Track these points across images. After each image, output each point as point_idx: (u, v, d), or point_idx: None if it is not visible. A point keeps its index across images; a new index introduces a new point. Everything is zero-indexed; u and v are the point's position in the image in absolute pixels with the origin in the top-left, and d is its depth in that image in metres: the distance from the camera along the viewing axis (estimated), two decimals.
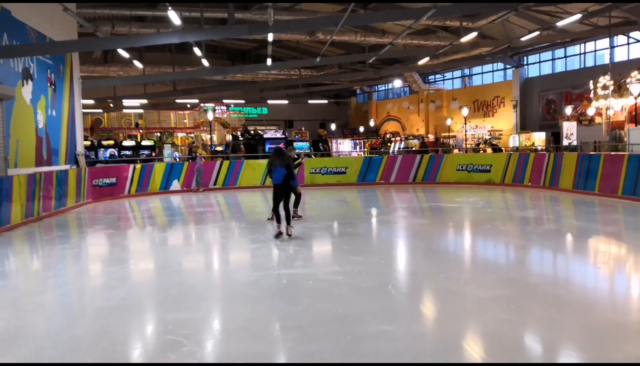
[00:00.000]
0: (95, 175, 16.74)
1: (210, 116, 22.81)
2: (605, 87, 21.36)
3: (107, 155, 23.25)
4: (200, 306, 5.43)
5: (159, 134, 29.85)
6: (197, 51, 20.94)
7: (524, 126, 30.41)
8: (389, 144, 34.15)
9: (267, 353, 4.21)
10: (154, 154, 23.62)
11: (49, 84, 14.93)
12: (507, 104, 32.18)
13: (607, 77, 21.08)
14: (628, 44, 24.97)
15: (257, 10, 21.10)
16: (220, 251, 8.90)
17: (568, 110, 25.22)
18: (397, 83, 37.77)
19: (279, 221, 9.13)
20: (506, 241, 8.97)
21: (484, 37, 26.30)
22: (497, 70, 33.81)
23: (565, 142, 22.19)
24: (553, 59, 29.77)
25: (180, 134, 31.66)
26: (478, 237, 9.51)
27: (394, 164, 19.87)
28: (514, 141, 27.77)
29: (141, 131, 30.32)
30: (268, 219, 11.17)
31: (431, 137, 36.48)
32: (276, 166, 9.04)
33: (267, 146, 23.74)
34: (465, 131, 28.24)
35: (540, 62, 30.56)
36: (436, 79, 38.86)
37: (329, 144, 31.45)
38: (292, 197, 11.45)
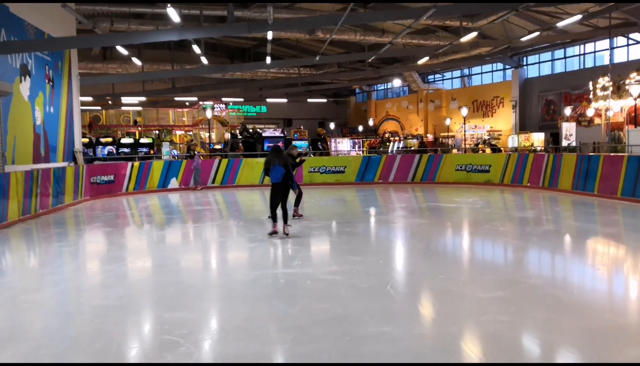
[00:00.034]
0: (93, 172, 16.68)
1: (209, 114, 22.76)
2: (604, 88, 21.35)
3: (105, 152, 23.17)
4: (197, 306, 5.40)
5: (157, 131, 29.77)
6: (196, 49, 20.87)
7: (523, 126, 30.40)
8: (387, 143, 34.11)
9: (264, 353, 4.17)
10: (152, 151, 23.55)
11: (47, 81, 14.87)
12: (506, 105, 32.17)
13: (607, 78, 21.07)
14: (628, 45, 24.97)
15: (256, 8, 21.05)
16: (218, 250, 8.86)
17: (567, 111, 25.21)
18: (397, 83, 37.74)
19: (274, 220, 9.10)
20: (505, 241, 8.94)
21: (483, 37, 26.28)
22: (496, 70, 33.80)
23: (564, 143, 22.18)
24: (553, 60, 29.77)
25: (178, 132, 31.59)
26: (477, 237, 9.48)
27: (393, 164, 19.83)
28: (513, 141, 27.75)
29: (140, 128, 30.25)
30: (268, 217, 11.10)
31: (430, 137, 36.47)
32: (275, 165, 8.99)
33: (266, 145, 23.66)
34: (465, 131, 28.21)
35: (539, 62, 30.56)
36: (435, 79, 38.84)
37: (328, 143, 31.40)
38: (291, 196, 11.46)
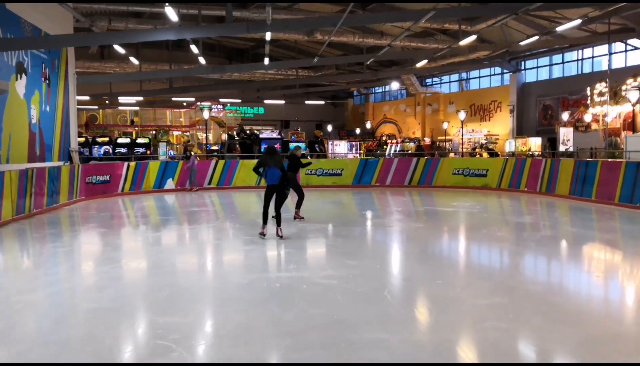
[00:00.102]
0: (89, 172, 16.56)
1: (206, 114, 22.66)
2: (601, 94, 21.36)
3: (102, 152, 23.03)
4: (191, 310, 5.31)
5: (154, 132, 29.64)
6: (194, 49, 20.81)
7: (520, 131, 30.41)
8: (385, 146, 34.09)
9: (258, 360, 4.09)
10: (148, 152, 23.42)
11: (43, 79, 14.76)
12: (503, 109, 32.18)
13: (604, 84, 21.07)
14: (625, 51, 25.01)
15: (255, 8, 20.99)
16: (213, 252, 8.76)
17: (565, 116, 25.22)
18: (395, 85, 37.73)
19: (265, 221, 9.02)
20: (503, 247, 8.88)
21: (482, 41, 26.28)
22: (494, 74, 33.81)
23: (561, 148, 22.17)
24: (550, 65, 29.79)
25: (175, 133, 31.45)
26: (474, 242, 9.42)
27: (390, 167, 19.78)
28: (510, 145, 27.75)
29: (136, 128, 30.11)
30: (272, 217, 10.99)
31: (427, 140, 36.46)
32: (271, 167, 8.90)
33: (263, 146, 23.59)
34: (462, 135, 28.20)
35: (537, 67, 30.58)
36: (433, 82, 38.84)
37: (325, 145, 31.33)
38: (291, 197, 11.39)
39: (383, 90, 43.46)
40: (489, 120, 33.44)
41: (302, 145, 20.32)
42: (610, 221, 11.47)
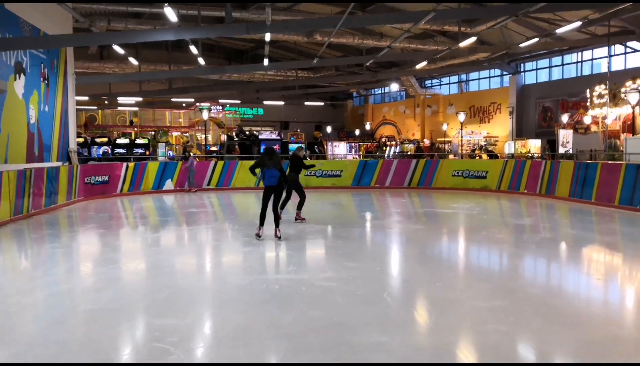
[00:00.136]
0: (88, 173, 16.52)
1: (205, 115, 22.63)
2: (601, 96, 21.36)
3: (100, 153, 22.98)
4: (189, 311, 5.27)
5: (153, 132, 29.60)
6: (193, 49, 20.78)
7: (520, 132, 30.42)
8: (384, 148, 34.08)
9: (257, 363, 4.06)
10: (147, 152, 23.38)
11: (42, 79, 14.72)
12: (503, 111, 32.19)
13: (603, 86, 21.08)
14: (625, 53, 25.04)
15: (255, 9, 20.98)
16: (212, 254, 8.72)
17: (564, 118, 25.21)
18: (394, 87, 37.73)
19: (261, 223, 8.98)
20: (503, 249, 8.85)
21: (482, 43, 26.28)
22: (494, 76, 33.84)
23: (561, 150, 22.16)
24: (550, 67, 29.81)
25: (175, 133, 31.41)
26: (474, 244, 9.39)
27: (390, 168, 19.75)
28: (509, 147, 27.74)
29: (136, 129, 30.07)
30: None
31: (427, 142, 36.45)
32: (269, 168, 8.85)
33: (262, 147, 23.57)
34: (462, 137, 28.19)
35: (537, 69, 30.61)
36: (433, 84, 38.85)
37: (325, 146, 31.31)
38: (291, 199, 11.36)
39: (382, 91, 43.47)
40: (489, 122, 33.45)
41: (291, 147, 20.26)
42: (610, 223, 11.45)
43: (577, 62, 27.88)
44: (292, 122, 43.53)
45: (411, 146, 32.45)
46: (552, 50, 28.14)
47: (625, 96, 19.01)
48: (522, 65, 31.18)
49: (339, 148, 34.59)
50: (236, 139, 25.88)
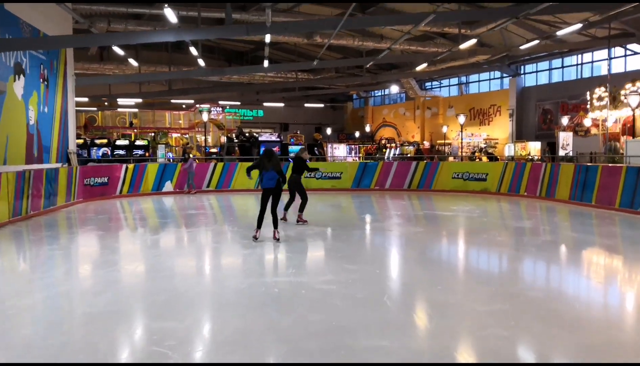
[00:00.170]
0: (87, 174, 16.49)
1: (205, 117, 22.61)
2: (601, 99, 21.34)
3: (100, 154, 22.96)
4: (188, 315, 5.23)
5: (153, 134, 29.59)
6: (193, 51, 20.76)
7: (520, 135, 30.42)
8: (384, 150, 34.08)
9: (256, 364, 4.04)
10: (147, 154, 23.35)
11: (41, 80, 14.70)
12: (503, 113, 32.19)
13: (603, 88, 21.06)
14: (625, 56, 25.04)
15: (255, 11, 20.97)
16: (211, 256, 8.69)
17: (564, 120, 25.21)
18: (394, 89, 37.74)
19: (259, 226, 8.95)
20: (503, 252, 8.82)
21: (482, 45, 26.29)
22: (494, 78, 33.84)
23: (561, 152, 22.15)
24: (550, 69, 29.82)
25: (174, 135, 31.41)
26: (474, 247, 9.36)
27: (390, 171, 19.72)
28: (509, 150, 27.73)
29: (135, 130, 30.06)
30: (281, 219, 10.95)
31: (426, 144, 36.45)
32: (268, 170, 8.82)
33: (262, 149, 23.55)
34: (462, 139, 28.18)
35: (537, 71, 30.62)
36: (433, 86, 38.87)
37: (324, 148, 31.31)
38: (294, 201, 11.32)
39: (382, 93, 43.47)
40: (489, 124, 33.44)
41: (290, 149, 20.23)
42: (610, 226, 11.42)
43: (577, 64, 27.88)
44: (292, 124, 43.54)
45: (411, 148, 32.43)
46: (552, 53, 28.15)
47: (625, 98, 18.98)
48: (522, 67, 31.19)
49: (339, 150, 34.60)
50: (236, 140, 25.87)
